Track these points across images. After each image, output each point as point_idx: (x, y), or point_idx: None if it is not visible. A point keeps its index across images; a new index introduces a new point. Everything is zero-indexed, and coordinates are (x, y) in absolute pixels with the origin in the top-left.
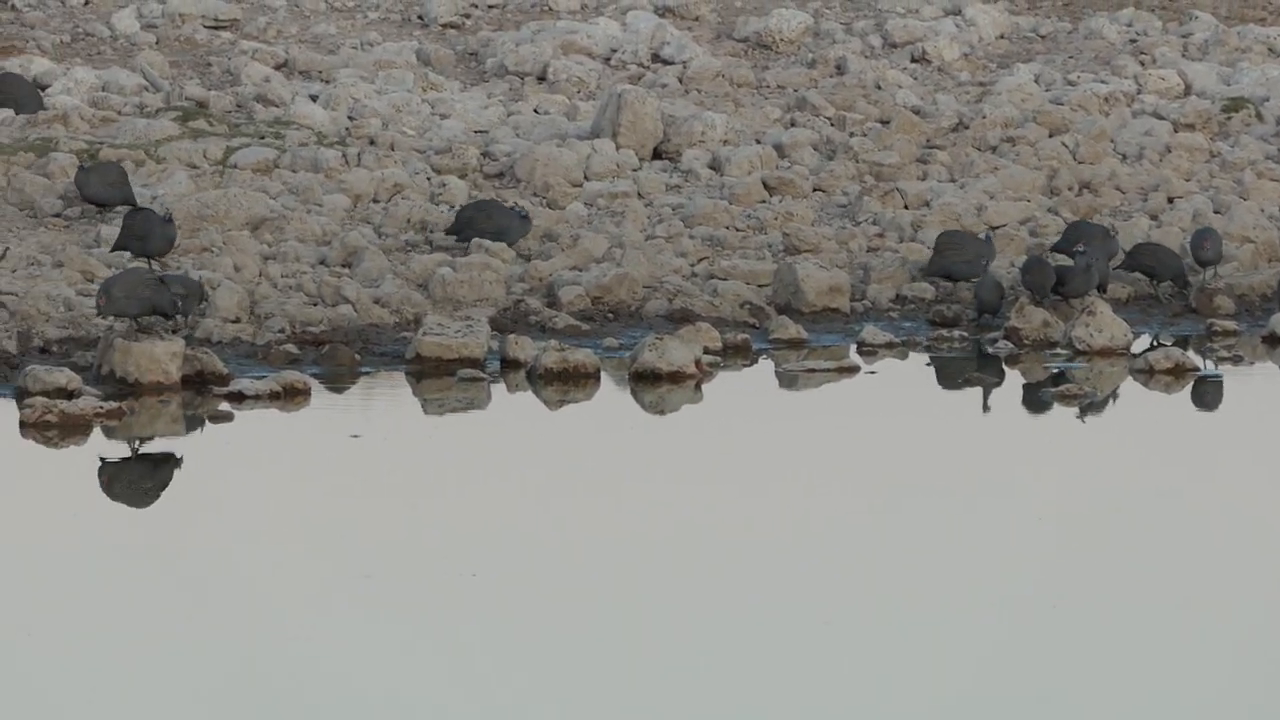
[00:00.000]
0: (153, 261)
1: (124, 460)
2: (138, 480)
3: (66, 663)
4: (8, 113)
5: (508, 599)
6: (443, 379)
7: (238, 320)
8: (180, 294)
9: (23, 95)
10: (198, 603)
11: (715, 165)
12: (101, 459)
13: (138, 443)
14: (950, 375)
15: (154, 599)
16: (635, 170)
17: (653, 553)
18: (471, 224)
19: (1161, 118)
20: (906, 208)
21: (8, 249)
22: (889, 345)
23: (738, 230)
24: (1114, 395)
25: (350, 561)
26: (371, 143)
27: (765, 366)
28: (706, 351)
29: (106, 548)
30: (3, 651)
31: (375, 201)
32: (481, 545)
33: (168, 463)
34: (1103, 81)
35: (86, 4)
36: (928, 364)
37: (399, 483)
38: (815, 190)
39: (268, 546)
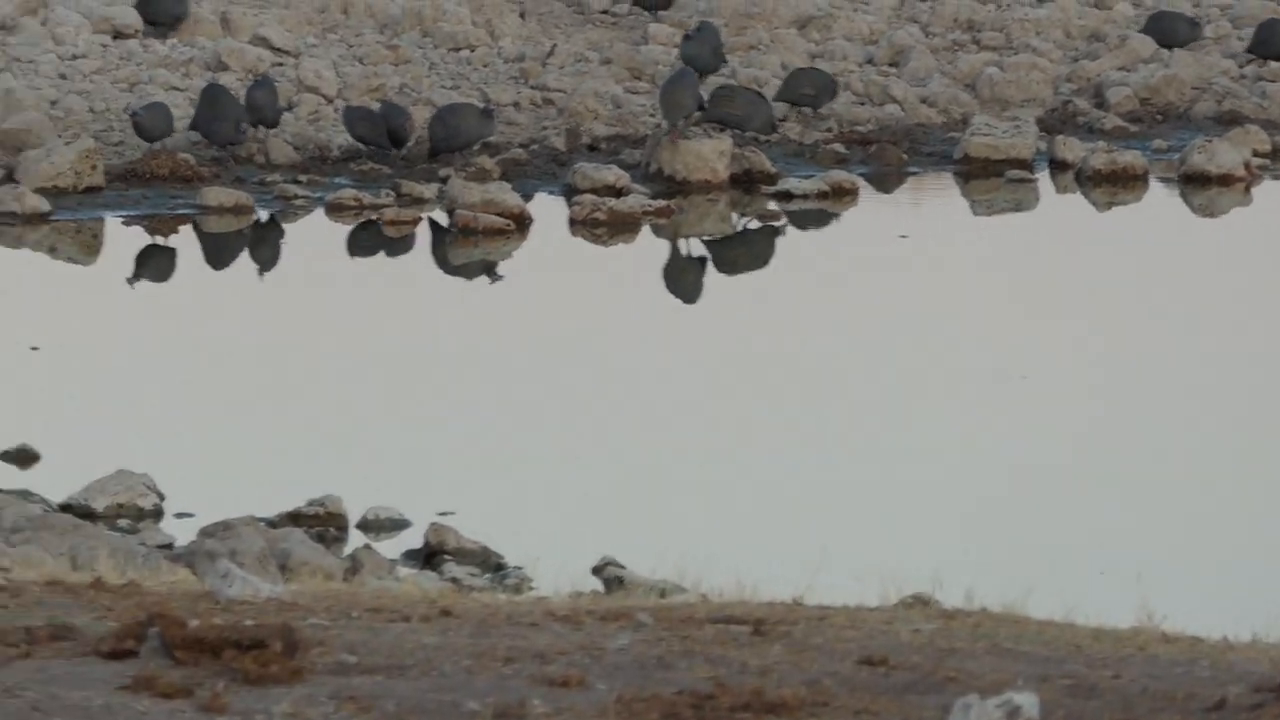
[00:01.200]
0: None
1: (669, 255)
2: (682, 276)
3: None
4: None
5: (1055, 401)
6: (990, 179)
7: (785, 119)
8: (809, 92)
9: None
10: (747, 393)
11: None
12: (670, 251)
13: (683, 240)
14: None
15: (704, 393)
16: None
17: (1189, 358)
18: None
19: None
20: None
21: (555, 46)
22: None
23: None
24: None
25: (898, 358)
26: None
27: None
28: (1255, 154)
29: (661, 339)
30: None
31: (922, 0)
32: (1029, 348)
33: (709, 260)
34: None
35: None
36: None
37: (947, 281)
38: None
39: (816, 341)
